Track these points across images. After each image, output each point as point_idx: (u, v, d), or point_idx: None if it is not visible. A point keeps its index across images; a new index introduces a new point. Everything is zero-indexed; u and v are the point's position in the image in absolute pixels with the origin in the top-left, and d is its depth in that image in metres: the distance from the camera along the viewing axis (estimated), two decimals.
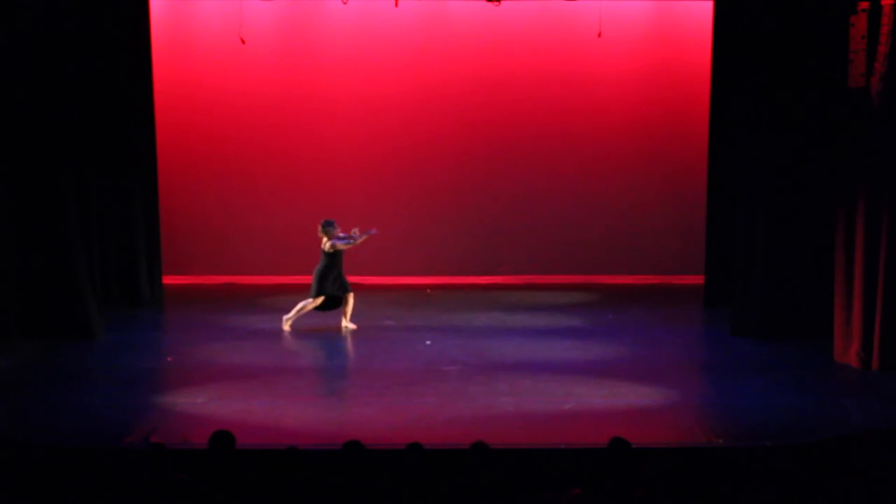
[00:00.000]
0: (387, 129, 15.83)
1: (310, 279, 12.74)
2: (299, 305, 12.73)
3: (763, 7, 11.96)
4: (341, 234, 12.64)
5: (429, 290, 15.26)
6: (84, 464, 7.90)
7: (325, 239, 12.57)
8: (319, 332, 12.70)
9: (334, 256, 12.61)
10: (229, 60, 15.45)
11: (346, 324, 12.78)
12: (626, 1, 15.32)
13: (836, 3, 11.09)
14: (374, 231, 12.78)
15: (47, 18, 11.82)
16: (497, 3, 14.17)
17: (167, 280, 15.23)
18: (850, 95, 10.92)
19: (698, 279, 14.55)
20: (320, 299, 12.68)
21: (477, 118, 15.81)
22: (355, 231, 12.65)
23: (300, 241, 14.49)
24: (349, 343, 12.50)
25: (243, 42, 14.70)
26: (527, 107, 15.77)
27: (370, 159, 15.86)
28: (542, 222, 15.99)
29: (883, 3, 10.54)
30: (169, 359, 11.76)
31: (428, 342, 12.20)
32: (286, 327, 12.73)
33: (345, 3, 14.51)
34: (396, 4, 14.67)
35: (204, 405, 9.85)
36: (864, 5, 10.68)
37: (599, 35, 14.70)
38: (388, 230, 15.83)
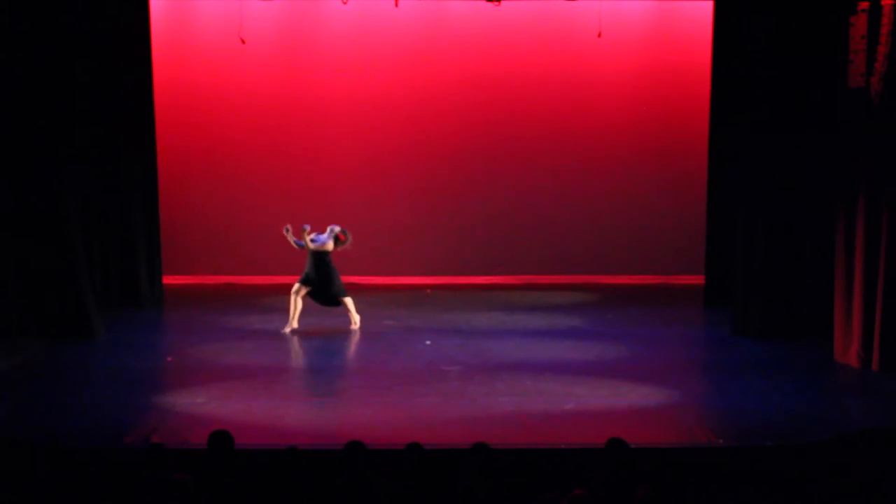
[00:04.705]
0: (386, 128, 15.81)
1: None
2: (352, 309, 12.74)
3: (763, 7, 11.96)
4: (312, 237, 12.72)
5: (429, 290, 15.26)
6: (84, 464, 7.89)
7: (330, 243, 12.63)
8: (319, 333, 12.69)
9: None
10: (229, 60, 15.44)
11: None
12: (626, 1, 15.32)
13: (836, 3, 11.09)
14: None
15: (46, 18, 11.81)
16: (497, 3, 14.17)
17: (167, 280, 15.21)
18: (850, 95, 10.92)
19: (698, 279, 14.54)
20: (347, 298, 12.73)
21: (477, 118, 15.79)
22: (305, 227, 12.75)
23: None
24: (349, 343, 12.50)
25: (243, 42, 14.69)
26: (527, 107, 15.76)
27: (370, 159, 15.85)
28: (542, 222, 15.98)
29: (883, 3, 10.54)
30: (169, 359, 11.76)
31: (428, 342, 12.20)
32: (357, 326, 12.74)
33: (345, 3, 14.50)
34: (396, 4, 14.66)
35: (204, 405, 9.84)
36: (864, 5, 10.68)
37: (599, 35, 14.67)
38: (388, 230, 15.87)
